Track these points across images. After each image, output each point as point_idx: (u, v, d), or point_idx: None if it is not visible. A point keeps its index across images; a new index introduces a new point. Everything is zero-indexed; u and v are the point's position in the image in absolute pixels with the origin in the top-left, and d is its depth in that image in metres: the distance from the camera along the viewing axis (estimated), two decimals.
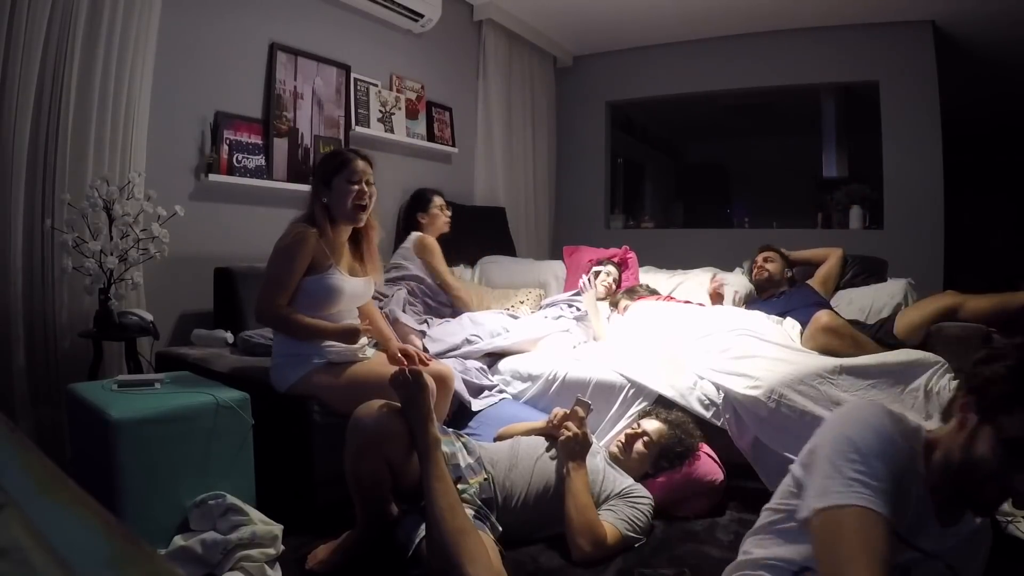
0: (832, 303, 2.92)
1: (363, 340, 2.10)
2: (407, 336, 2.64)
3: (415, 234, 3.18)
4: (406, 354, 2.00)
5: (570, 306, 3.04)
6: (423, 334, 2.74)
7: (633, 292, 3.23)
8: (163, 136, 2.61)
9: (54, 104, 2.22)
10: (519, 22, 4.63)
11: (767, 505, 1.16)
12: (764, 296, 3.13)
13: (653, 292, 3.24)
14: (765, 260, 3.16)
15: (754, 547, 1.13)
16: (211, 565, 1.54)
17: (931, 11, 4.21)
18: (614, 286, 3.31)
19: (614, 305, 3.18)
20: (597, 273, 3.29)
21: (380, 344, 2.16)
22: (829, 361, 2.25)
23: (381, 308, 2.76)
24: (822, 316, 2.44)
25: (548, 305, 3.14)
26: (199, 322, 2.70)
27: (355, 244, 2.14)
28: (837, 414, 1.05)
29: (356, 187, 2.00)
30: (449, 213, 3.36)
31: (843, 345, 2.40)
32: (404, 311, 2.84)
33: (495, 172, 4.56)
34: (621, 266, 3.45)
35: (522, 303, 3.37)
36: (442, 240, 3.27)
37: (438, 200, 3.35)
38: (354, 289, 2.06)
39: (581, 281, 3.07)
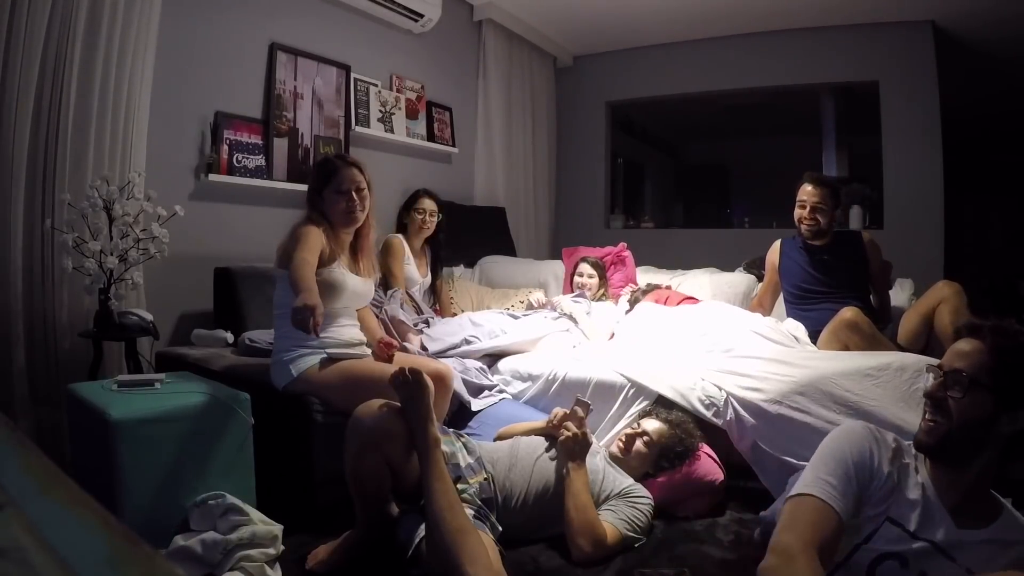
0: None
1: (360, 337, 2.12)
2: (405, 334, 2.65)
3: (386, 237, 3.17)
4: (387, 344, 2.05)
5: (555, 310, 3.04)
6: (421, 331, 2.74)
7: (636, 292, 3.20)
8: (163, 136, 2.61)
9: (54, 104, 2.22)
10: (519, 22, 4.63)
11: None
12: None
13: (653, 288, 3.21)
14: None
15: None
16: (211, 565, 1.53)
17: (931, 11, 4.21)
18: (597, 283, 3.34)
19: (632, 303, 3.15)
20: (581, 274, 3.36)
21: (373, 348, 2.18)
22: (832, 362, 2.24)
23: (380, 308, 2.77)
24: (846, 312, 2.41)
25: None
26: (199, 322, 2.70)
27: (351, 243, 2.16)
28: (831, 433, 1.28)
29: (345, 196, 2.03)
30: (435, 219, 3.20)
31: (864, 344, 2.35)
32: (403, 308, 2.84)
33: (495, 172, 4.56)
34: (603, 263, 3.46)
35: (522, 303, 3.37)
36: (440, 241, 3.26)
37: (423, 204, 3.19)
38: (355, 287, 2.09)
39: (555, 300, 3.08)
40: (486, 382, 2.52)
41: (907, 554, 1.10)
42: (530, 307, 3.13)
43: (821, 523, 1.09)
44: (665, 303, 2.97)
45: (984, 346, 1.11)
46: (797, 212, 2.73)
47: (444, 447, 1.64)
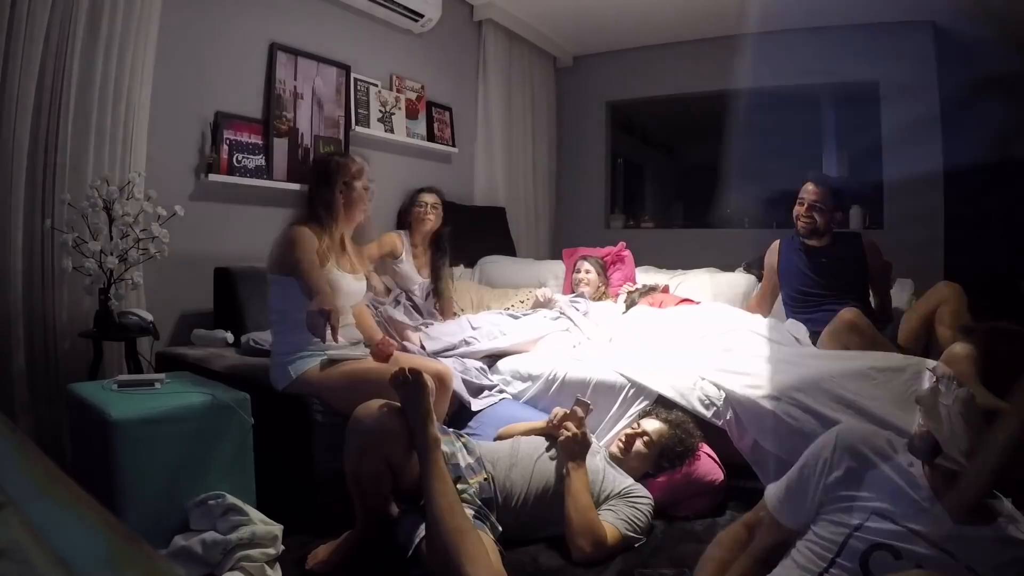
0: None
1: (356, 336, 2.13)
2: (403, 333, 2.64)
3: (385, 233, 3.17)
4: (386, 344, 2.04)
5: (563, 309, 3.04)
6: (417, 329, 2.74)
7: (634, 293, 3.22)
8: (163, 136, 2.61)
9: (54, 104, 2.22)
10: (519, 22, 4.63)
11: None
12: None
13: (651, 289, 3.22)
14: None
15: None
16: (211, 565, 1.54)
17: (931, 11, 4.21)
18: (596, 279, 3.35)
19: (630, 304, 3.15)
20: (579, 270, 3.38)
21: (371, 345, 2.17)
22: (832, 362, 2.23)
23: (379, 308, 2.76)
24: (846, 313, 2.40)
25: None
26: (199, 322, 2.70)
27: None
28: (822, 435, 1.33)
29: (368, 192, 2.14)
30: (437, 210, 3.20)
31: (864, 345, 2.34)
32: (401, 308, 2.84)
33: (495, 172, 4.56)
34: (604, 262, 3.47)
35: (522, 303, 3.37)
36: (443, 235, 3.24)
37: (424, 198, 3.20)
38: (349, 286, 2.08)
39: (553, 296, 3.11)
40: (486, 382, 2.52)
41: (901, 548, 1.10)
42: (536, 301, 3.13)
43: (753, 520, 1.30)
44: (660, 306, 2.96)
45: (976, 350, 1.12)
46: (796, 209, 2.75)
47: (444, 447, 1.64)
